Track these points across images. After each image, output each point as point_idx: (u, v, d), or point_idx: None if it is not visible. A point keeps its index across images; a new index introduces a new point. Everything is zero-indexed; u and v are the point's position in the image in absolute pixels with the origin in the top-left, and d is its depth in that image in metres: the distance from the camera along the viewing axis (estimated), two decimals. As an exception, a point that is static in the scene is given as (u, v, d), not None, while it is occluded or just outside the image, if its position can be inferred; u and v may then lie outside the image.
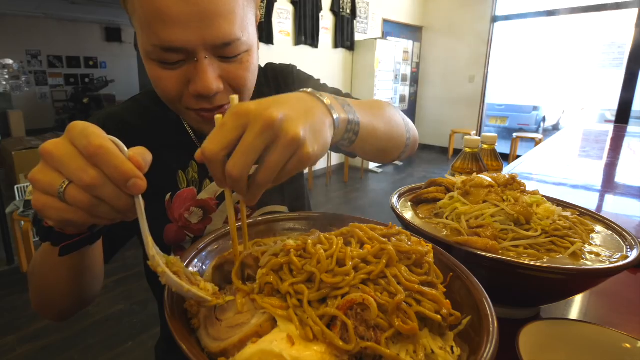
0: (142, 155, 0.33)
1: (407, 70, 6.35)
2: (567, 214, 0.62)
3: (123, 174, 0.31)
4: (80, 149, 0.31)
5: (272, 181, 0.36)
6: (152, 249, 0.33)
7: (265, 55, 4.04)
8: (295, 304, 0.34)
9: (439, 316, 0.34)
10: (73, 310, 0.57)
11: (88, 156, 0.31)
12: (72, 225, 0.36)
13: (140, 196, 0.33)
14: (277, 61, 0.83)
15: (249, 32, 0.56)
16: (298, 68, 0.82)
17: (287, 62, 0.80)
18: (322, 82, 0.86)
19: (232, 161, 0.34)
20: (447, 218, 0.62)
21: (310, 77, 0.83)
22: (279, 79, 0.78)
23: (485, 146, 0.92)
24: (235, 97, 0.38)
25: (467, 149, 0.87)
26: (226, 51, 0.53)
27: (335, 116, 0.43)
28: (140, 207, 0.33)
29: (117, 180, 0.31)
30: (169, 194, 0.67)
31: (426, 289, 0.36)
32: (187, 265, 0.42)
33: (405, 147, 0.68)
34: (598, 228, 0.63)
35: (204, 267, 0.45)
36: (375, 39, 5.28)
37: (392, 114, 0.64)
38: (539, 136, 5.34)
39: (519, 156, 3.11)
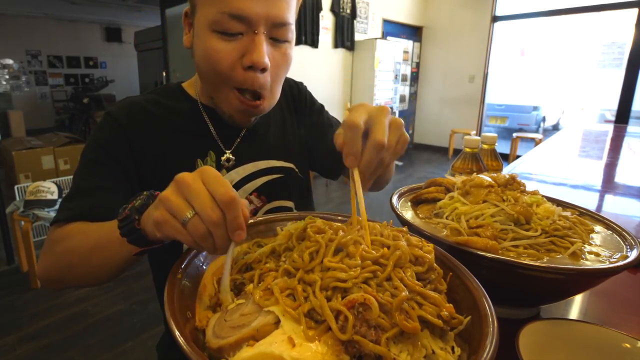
0: (247, 209, 0.40)
1: (407, 70, 6.35)
2: (567, 214, 0.62)
3: (238, 224, 0.38)
4: (214, 193, 0.38)
5: (389, 158, 0.45)
6: (229, 292, 0.40)
7: (265, 55, 4.03)
8: (304, 295, 0.35)
9: (439, 321, 0.34)
10: (90, 284, 0.60)
11: (221, 201, 0.38)
12: (168, 240, 0.44)
13: (234, 244, 0.40)
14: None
15: (294, 25, 0.64)
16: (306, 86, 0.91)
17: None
18: (323, 85, 0.93)
19: (378, 133, 0.42)
20: (447, 218, 0.62)
21: (316, 100, 0.92)
22: (294, 92, 0.86)
23: (485, 146, 0.92)
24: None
25: (467, 149, 0.87)
26: (279, 32, 0.60)
27: None
28: (232, 252, 0.41)
29: (232, 226, 0.38)
30: None
31: (428, 292, 0.36)
32: (187, 265, 0.43)
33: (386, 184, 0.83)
34: (598, 228, 0.63)
35: (204, 267, 0.45)
36: (375, 39, 5.28)
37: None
38: (539, 136, 5.34)
39: (519, 156, 3.11)
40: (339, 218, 0.56)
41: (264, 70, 0.60)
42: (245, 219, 0.39)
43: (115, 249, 0.50)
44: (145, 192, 0.48)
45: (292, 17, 0.62)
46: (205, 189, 0.38)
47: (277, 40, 0.61)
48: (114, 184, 0.64)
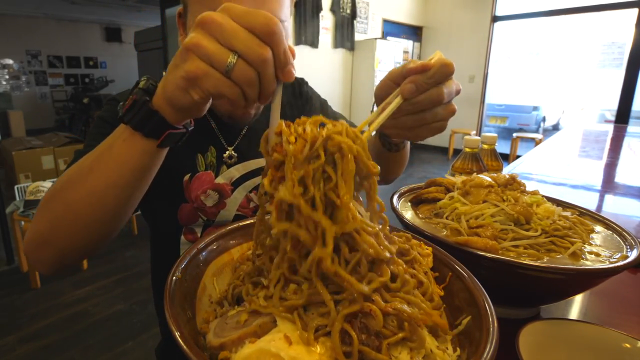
0: (292, 49, 0.35)
1: (407, 70, 6.35)
2: (567, 214, 0.62)
3: (288, 58, 0.33)
4: (251, 26, 0.31)
5: (424, 127, 0.44)
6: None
7: (265, 55, 4.04)
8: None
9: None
10: (90, 246, 0.48)
11: (265, 33, 0.31)
12: (205, 106, 0.38)
13: (281, 84, 0.35)
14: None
15: (289, 22, 0.63)
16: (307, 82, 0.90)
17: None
18: (323, 85, 0.93)
19: (448, 88, 0.42)
20: (447, 218, 0.62)
21: (319, 95, 0.91)
22: (295, 89, 0.86)
23: (485, 146, 0.92)
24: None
25: (467, 149, 0.87)
26: None
27: None
28: (280, 95, 0.36)
29: (282, 62, 0.33)
30: (188, 175, 0.69)
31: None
32: (187, 265, 0.43)
33: (400, 174, 0.84)
34: (598, 228, 0.63)
35: (204, 267, 0.45)
36: (375, 39, 5.28)
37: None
38: (539, 136, 5.34)
39: (519, 156, 3.11)
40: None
41: None
42: (292, 53, 0.34)
43: (121, 154, 0.41)
44: (144, 77, 0.42)
45: (284, 14, 0.60)
46: (237, 25, 0.32)
47: None
48: None
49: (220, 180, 0.71)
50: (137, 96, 0.39)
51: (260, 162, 0.75)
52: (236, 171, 0.72)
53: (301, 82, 0.87)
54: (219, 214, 0.71)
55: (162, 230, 0.73)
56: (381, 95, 0.46)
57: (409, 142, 0.73)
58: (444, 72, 0.40)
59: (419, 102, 0.41)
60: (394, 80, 0.44)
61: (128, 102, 0.39)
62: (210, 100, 0.38)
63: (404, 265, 0.38)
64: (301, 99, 0.86)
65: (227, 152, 0.72)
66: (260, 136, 0.80)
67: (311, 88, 0.89)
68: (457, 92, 0.44)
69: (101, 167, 0.43)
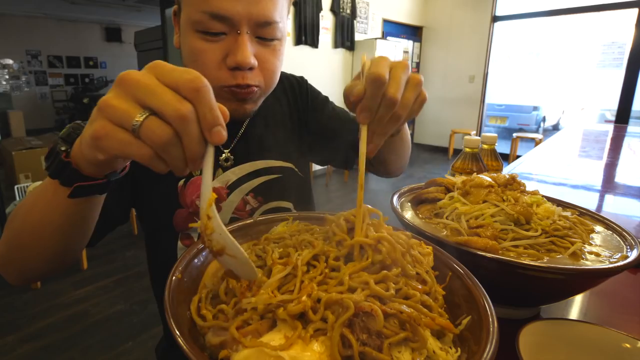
0: (225, 109, 0.31)
1: (407, 70, 6.34)
2: (567, 214, 0.62)
3: (215, 118, 0.29)
4: (174, 83, 0.29)
5: (405, 116, 0.42)
6: (213, 208, 0.31)
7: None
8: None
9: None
10: (44, 270, 0.51)
11: (188, 89, 0.28)
12: (120, 162, 0.36)
13: (212, 147, 0.31)
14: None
15: (284, 22, 0.62)
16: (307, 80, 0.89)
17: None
18: (323, 85, 0.90)
19: (392, 88, 0.39)
20: (447, 218, 0.62)
21: (320, 92, 0.89)
22: (295, 89, 0.84)
23: (485, 146, 0.92)
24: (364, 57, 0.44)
25: (467, 149, 0.87)
26: (265, 31, 0.59)
27: None
28: (211, 158, 0.31)
29: (208, 121, 0.29)
30: (182, 180, 0.68)
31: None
32: (187, 265, 0.43)
33: (405, 164, 0.83)
34: (598, 228, 0.63)
35: (205, 267, 0.45)
36: (375, 39, 5.28)
37: (408, 133, 0.79)
38: (539, 136, 5.34)
39: (519, 156, 3.11)
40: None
41: (251, 69, 0.59)
42: (224, 115, 0.30)
43: (53, 200, 0.42)
44: (74, 122, 0.42)
45: (279, 14, 0.59)
46: (159, 82, 0.29)
47: (263, 39, 0.60)
48: None
49: (215, 183, 0.70)
50: (54, 144, 0.39)
51: (257, 165, 0.73)
52: (232, 174, 0.71)
53: (301, 81, 0.86)
54: None
55: (158, 235, 0.72)
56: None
57: (406, 128, 0.72)
58: (377, 85, 0.38)
59: (380, 116, 0.40)
60: (351, 109, 0.44)
61: (47, 153, 0.40)
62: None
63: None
64: (307, 97, 0.84)
65: (224, 154, 0.71)
66: (258, 138, 0.77)
67: (311, 85, 0.88)
68: (412, 81, 0.42)
69: (37, 206, 0.44)
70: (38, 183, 2.50)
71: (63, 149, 0.38)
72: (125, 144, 0.29)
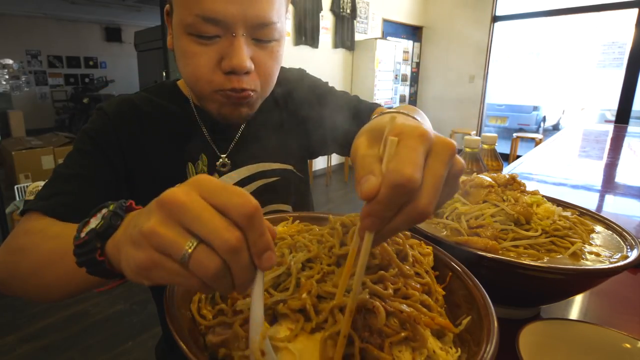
0: (273, 229, 0.29)
1: (407, 70, 6.35)
2: (567, 214, 0.62)
3: (266, 244, 0.27)
4: (223, 205, 0.26)
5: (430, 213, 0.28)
6: (267, 342, 0.29)
7: (265, 55, 4.03)
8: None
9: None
10: (31, 298, 0.51)
11: (240, 215, 0.26)
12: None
13: (261, 272, 0.28)
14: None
15: (282, 22, 0.59)
16: (306, 71, 0.86)
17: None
18: (325, 80, 0.88)
19: (425, 199, 0.27)
20: (447, 218, 0.62)
21: (319, 80, 0.86)
22: (292, 85, 0.80)
23: (485, 146, 0.92)
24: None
25: (467, 149, 0.87)
26: (261, 33, 0.56)
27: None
28: (261, 285, 0.28)
29: (258, 248, 0.27)
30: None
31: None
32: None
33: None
34: (598, 228, 0.63)
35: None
36: (375, 39, 5.28)
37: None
38: (539, 136, 5.33)
39: (519, 156, 3.11)
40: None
41: (247, 73, 0.57)
42: (272, 235, 0.28)
43: (69, 270, 0.40)
44: (110, 205, 0.37)
45: (276, 14, 0.56)
46: (208, 205, 0.27)
47: (260, 40, 0.57)
48: (96, 174, 0.60)
49: None
50: (89, 238, 0.35)
51: (251, 169, 0.72)
52: (229, 179, 0.70)
53: (300, 76, 0.84)
54: None
55: None
56: None
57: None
58: (400, 193, 0.26)
59: (394, 227, 0.29)
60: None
61: (80, 240, 0.36)
62: None
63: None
64: (307, 90, 0.81)
65: (220, 160, 0.70)
66: (254, 142, 0.72)
67: (312, 76, 0.86)
68: (453, 173, 0.30)
69: (53, 269, 0.44)
70: (38, 183, 2.51)
71: (99, 245, 0.35)
72: (173, 274, 0.27)
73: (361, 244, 0.29)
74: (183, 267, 0.26)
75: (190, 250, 0.26)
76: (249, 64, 0.56)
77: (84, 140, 0.63)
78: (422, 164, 0.27)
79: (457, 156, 0.31)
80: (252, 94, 0.60)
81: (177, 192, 0.27)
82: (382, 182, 0.27)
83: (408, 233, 0.50)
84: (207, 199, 0.27)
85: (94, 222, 0.36)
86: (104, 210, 0.37)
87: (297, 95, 0.81)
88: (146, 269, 0.27)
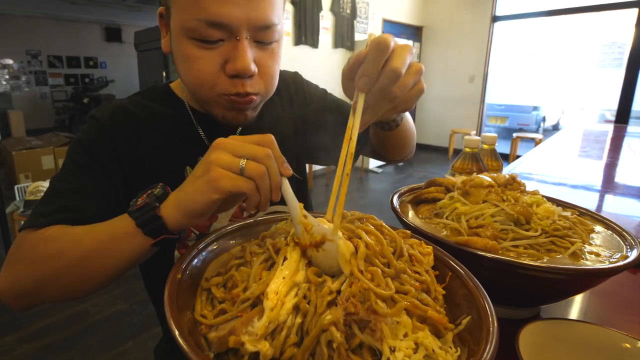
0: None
1: (407, 70, 6.34)
2: (567, 214, 0.62)
3: (282, 158, 0.43)
4: (254, 140, 0.43)
5: (398, 101, 0.43)
6: (303, 210, 0.41)
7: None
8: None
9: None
10: (64, 298, 0.54)
11: (262, 142, 0.43)
12: (209, 214, 0.45)
13: (285, 178, 0.44)
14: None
15: (281, 23, 0.59)
16: (301, 75, 0.87)
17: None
18: (323, 86, 0.90)
19: (396, 59, 0.40)
20: (447, 218, 0.62)
21: (317, 86, 0.87)
22: (290, 87, 0.82)
23: (485, 146, 0.92)
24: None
25: (467, 149, 0.87)
26: (264, 35, 0.56)
27: None
28: (287, 184, 0.44)
29: (280, 159, 0.43)
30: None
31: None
32: (187, 266, 0.43)
33: (412, 151, 0.83)
34: (598, 228, 0.63)
35: (205, 267, 0.45)
36: (375, 39, 5.27)
37: (412, 121, 0.78)
38: (539, 136, 5.34)
39: (519, 156, 3.11)
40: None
41: (251, 76, 0.57)
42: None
43: (122, 247, 0.48)
44: (158, 185, 0.49)
45: (277, 16, 0.56)
46: (242, 141, 0.43)
47: (262, 42, 0.57)
48: (94, 186, 0.60)
49: None
50: (149, 200, 0.46)
51: None
52: None
53: (295, 77, 0.84)
54: (211, 227, 0.69)
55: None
56: (349, 96, 0.47)
57: (407, 117, 0.71)
58: (380, 49, 0.38)
59: (380, 85, 0.40)
60: (350, 78, 0.43)
61: (140, 203, 0.47)
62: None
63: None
64: (303, 93, 0.83)
65: None
66: None
67: (306, 80, 0.86)
68: (413, 66, 0.42)
69: (102, 255, 0.49)
70: (38, 183, 2.51)
71: (157, 204, 0.46)
72: (236, 180, 0.41)
73: (356, 104, 0.41)
74: (240, 175, 0.41)
75: (243, 164, 0.41)
76: (253, 67, 0.56)
77: (78, 151, 0.62)
78: (392, 41, 0.40)
79: (415, 62, 0.43)
80: (255, 97, 0.60)
81: (223, 139, 0.43)
82: (367, 48, 0.40)
83: (408, 232, 0.50)
84: (239, 139, 0.43)
85: (147, 196, 0.48)
86: (155, 187, 0.49)
87: (294, 97, 0.82)
88: (216, 179, 0.41)
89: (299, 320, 0.34)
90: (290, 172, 0.43)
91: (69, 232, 0.52)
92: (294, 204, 0.42)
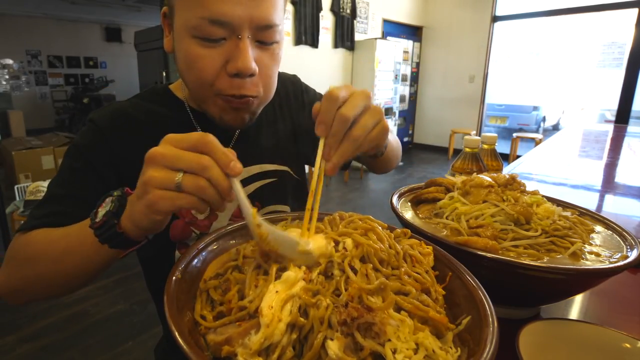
0: (232, 151, 0.39)
1: (407, 70, 6.35)
2: (567, 214, 0.62)
3: (227, 158, 0.38)
4: (189, 146, 0.38)
5: (361, 140, 0.44)
6: (257, 217, 0.39)
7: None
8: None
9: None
10: (54, 295, 0.57)
11: (200, 146, 0.38)
12: (164, 223, 0.42)
13: (236, 179, 0.39)
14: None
15: (282, 24, 0.60)
16: (300, 79, 0.88)
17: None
18: (323, 85, 0.90)
19: (346, 107, 0.43)
20: (447, 218, 0.62)
21: (315, 90, 0.88)
22: (289, 89, 0.83)
23: (485, 146, 0.92)
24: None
25: (467, 149, 0.87)
26: (265, 35, 0.57)
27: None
28: (239, 187, 0.39)
29: (223, 161, 0.37)
30: None
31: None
32: (187, 265, 0.43)
33: (398, 163, 0.86)
34: (598, 228, 0.63)
35: (205, 267, 0.45)
36: (375, 39, 5.28)
37: (395, 139, 0.82)
38: (539, 136, 5.34)
39: (519, 156, 3.11)
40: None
41: (252, 75, 0.57)
42: (232, 153, 0.38)
43: (90, 253, 0.47)
44: (115, 192, 0.46)
45: (278, 17, 0.57)
46: (177, 149, 0.38)
47: (263, 43, 0.58)
48: (89, 193, 0.60)
49: None
50: (107, 217, 0.44)
51: (252, 170, 0.72)
52: None
53: (294, 80, 0.85)
54: (212, 226, 0.69)
55: (154, 247, 0.68)
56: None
57: (390, 140, 0.72)
58: (332, 99, 0.43)
59: (335, 131, 0.43)
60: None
61: (98, 221, 0.44)
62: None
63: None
64: (301, 97, 0.84)
65: None
66: (252, 143, 0.76)
67: (305, 83, 0.87)
68: (372, 109, 0.46)
69: (72, 259, 0.50)
70: (38, 183, 2.51)
71: (116, 221, 0.44)
72: (174, 199, 0.38)
73: (319, 146, 0.44)
74: (179, 191, 0.37)
75: (179, 179, 0.37)
76: (254, 66, 0.56)
77: (76, 156, 0.62)
78: (345, 92, 0.44)
79: (375, 105, 0.47)
80: (252, 100, 0.60)
81: (156, 149, 0.38)
82: (322, 101, 0.44)
83: (408, 231, 0.50)
84: (176, 145, 0.38)
85: (104, 208, 0.45)
86: (110, 198, 0.46)
87: (293, 99, 0.82)
88: (154, 203, 0.38)
89: (294, 336, 0.33)
90: (239, 169, 0.38)
91: (45, 235, 0.54)
92: (247, 210, 0.39)
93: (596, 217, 0.66)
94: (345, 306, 0.33)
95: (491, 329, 0.34)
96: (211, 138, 0.38)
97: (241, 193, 0.39)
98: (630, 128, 3.17)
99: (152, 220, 0.40)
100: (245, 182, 0.72)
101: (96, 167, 0.62)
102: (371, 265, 0.39)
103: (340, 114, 0.43)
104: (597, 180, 1.51)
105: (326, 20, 4.96)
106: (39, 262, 0.52)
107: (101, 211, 0.45)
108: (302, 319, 0.33)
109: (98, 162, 0.62)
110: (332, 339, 0.32)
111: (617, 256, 0.53)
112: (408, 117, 6.68)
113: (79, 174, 0.61)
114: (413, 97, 6.77)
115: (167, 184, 0.37)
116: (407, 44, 6.29)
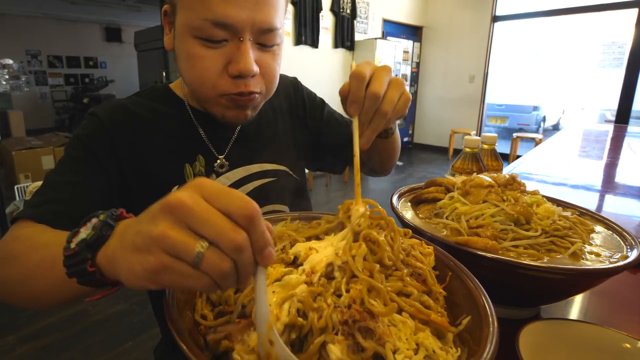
0: (270, 227, 0.30)
1: (407, 70, 6.35)
2: (567, 214, 0.62)
3: (267, 241, 0.29)
4: (226, 207, 0.28)
5: (390, 114, 0.48)
6: (274, 331, 0.30)
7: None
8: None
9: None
10: (20, 305, 0.49)
11: (242, 217, 0.28)
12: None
13: (264, 269, 0.30)
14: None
15: (283, 27, 0.61)
16: (299, 81, 0.89)
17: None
18: (323, 85, 0.92)
19: (374, 83, 0.47)
20: (447, 218, 0.62)
21: (315, 94, 0.90)
22: (289, 90, 0.84)
23: (485, 146, 0.92)
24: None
25: (467, 149, 0.87)
26: (267, 38, 0.58)
27: None
28: (264, 280, 0.30)
29: (260, 245, 0.28)
30: (176, 187, 0.67)
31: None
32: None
33: (395, 164, 0.86)
34: (598, 228, 0.63)
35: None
36: (375, 39, 5.28)
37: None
38: (539, 136, 5.33)
39: (519, 156, 3.11)
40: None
41: (253, 76, 0.59)
42: (271, 232, 0.30)
43: (58, 280, 0.38)
44: (101, 215, 0.35)
45: (279, 21, 0.59)
46: (212, 207, 0.27)
47: (264, 45, 0.59)
48: (88, 180, 0.59)
49: None
50: (80, 249, 0.34)
51: (251, 169, 0.72)
52: (226, 179, 0.70)
53: (295, 82, 0.86)
54: None
55: None
56: (350, 117, 0.52)
57: (397, 129, 0.74)
58: (359, 78, 0.46)
59: (367, 108, 0.47)
60: (344, 103, 0.50)
61: (71, 250, 0.34)
62: None
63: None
64: (302, 99, 0.85)
65: (219, 160, 0.70)
66: (251, 141, 0.73)
67: (304, 86, 0.88)
68: (395, 81, 0.49)
69: (40, 279, 0.42)
70: (38, 183, 2.51)
71: (90, 256, 0.34)
72: (185, 276, 0.27)
73: (353, 126, 0.47)
74: (194, 268, 0.27)
75: (202, 251, 0.27)
76: (256, 68, 0.57)
77: (76, 146, 0.62)
78: (369, 69, 0.48)
79: (396, 77, 0.50)
80: (257, 96, 0.62)
81: (182, 196, 0.27)
82: (349, 80, 0.47)
83: (409, 231, 0.50)
84: (210, 202, 0.28)
85: (84, 232, 0.35)
86: (94, 220, 0.35)
87: (293, 100, 0.83)
88: (156, 272, 0.27)
89: (294, 336, 0.33)
90: (272, 260, 0.29)
91: (32, 237, 0.48)
92: (262, 316, 0.30)
93: (596, 217, 0.66)
94: (348, 307, 0.33)
95: (491, 329, 0.34)
96: (257, 210, 0.28)
97: (263, 290, 0.30)
98: (630, 128, 3.17)
99: (141, 286, 0.29)
100: (244, 181, 0.72)
101: (97, 155, 0.61)
102: (378, 266, 0.38)
103: (371, 92, 0.46)
104: (597, 180, 1.51)
105: (326, 20, 4.96)
106: (12, 267, 0.45)
107: (81, 234, 0.35)
108: (300, 319, 0.33)
109: (99, 151, 0.62)
110: (332, 343, 0.32)
111: (617, 256, 0.53)
112: (408, 117, 6.68)
113: (80, 162, 0.61)
114: (413, 97, 6.76)
115: (184, 254, 0.27)
116: (407, 44, 6.29)
